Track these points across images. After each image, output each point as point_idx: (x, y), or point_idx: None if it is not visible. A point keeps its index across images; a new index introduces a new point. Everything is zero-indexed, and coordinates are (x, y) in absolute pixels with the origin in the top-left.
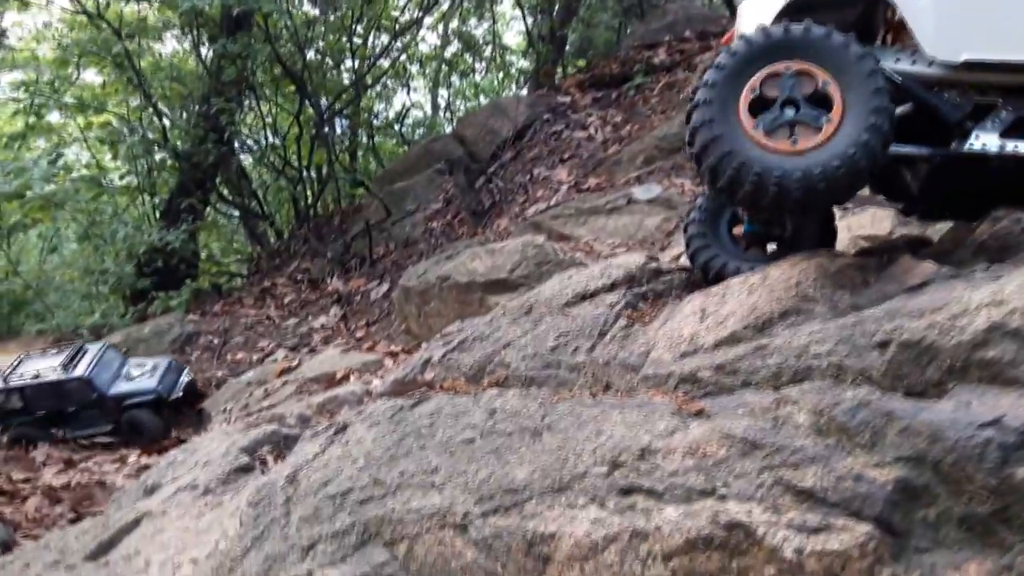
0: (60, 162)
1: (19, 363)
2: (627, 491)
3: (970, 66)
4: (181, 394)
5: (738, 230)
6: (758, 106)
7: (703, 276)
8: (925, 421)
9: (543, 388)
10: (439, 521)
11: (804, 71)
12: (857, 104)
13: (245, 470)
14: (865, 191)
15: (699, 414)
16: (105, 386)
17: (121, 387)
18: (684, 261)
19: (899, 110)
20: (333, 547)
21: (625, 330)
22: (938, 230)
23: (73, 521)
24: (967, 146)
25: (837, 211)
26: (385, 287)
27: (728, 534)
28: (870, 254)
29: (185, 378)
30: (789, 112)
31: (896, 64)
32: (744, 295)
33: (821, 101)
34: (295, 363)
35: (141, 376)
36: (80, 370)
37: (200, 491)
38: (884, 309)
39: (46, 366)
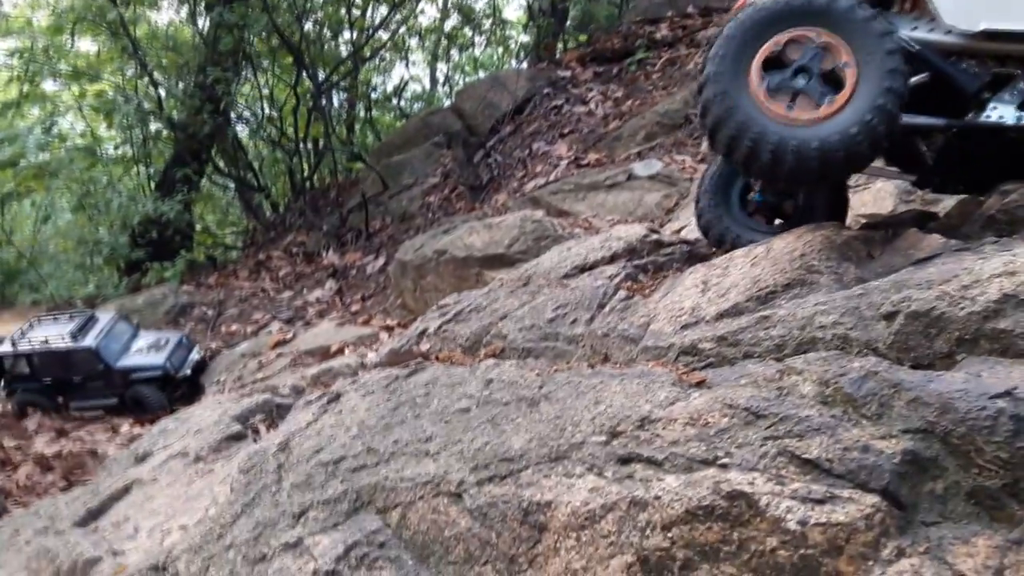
0: (54, 131)
1: (29, 328)
2: (626, 460)
3: (989, 35)
4: (189, 372)
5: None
6: (771, 66)
7: (717, 246)
8: (935, 392)
9: (540, 359)
10: (433, 489)
11: (831, 45)
12: (872, 70)
13: (237, 438)
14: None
15: (700, 384)
16: (113, 358)
17: (129, 360)
18: (686, 234)
19: (915, 80)
20: (325, 514)
21: (625, 302)
22: (943, 207)
23: (64, 489)
24: (984, 117)
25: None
26: (381, 261)
27: (730, 504)
28: (875, 228)
29: (195, 355)
30: (800, 80)
31: (913, 32)
32: (747, 267)
33: (833, 81)
34: (290, 336)
35: (150, 350)
36: (89, 340)
37: (191, 459)
38: (891, 281)
39: (55, 333)
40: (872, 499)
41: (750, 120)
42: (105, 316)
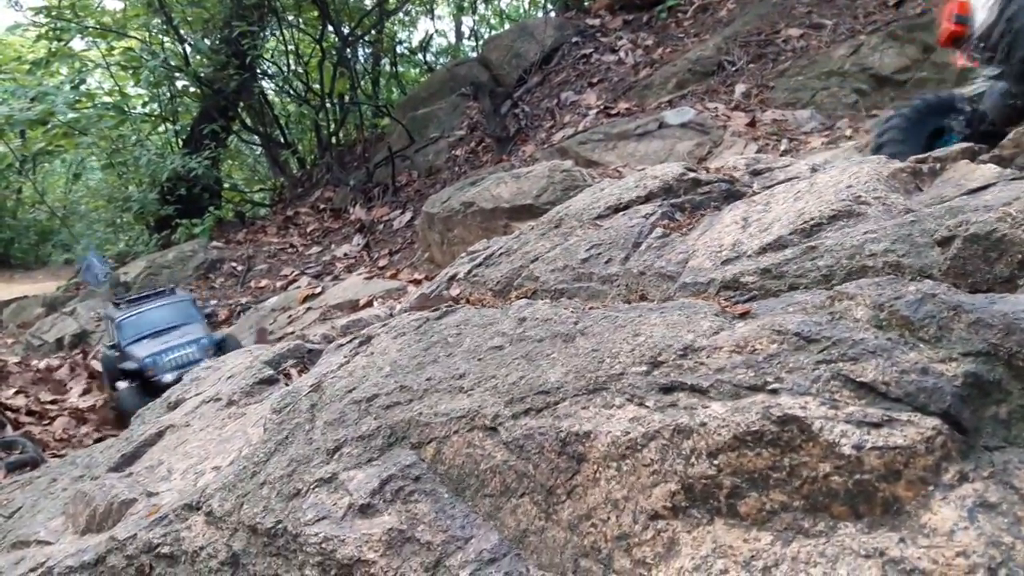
0: (83, 88)
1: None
2: (668, 389)
3: None
4: (170, 378)
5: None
6: None
7: None
8: (998, 313)
9: (574, 300)
10: (467, 423)
11: None
12: None
13: (269, 382)
14: None
15: (745, 315)
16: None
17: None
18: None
19: None
20: (359, 450)
21: (661, 240)
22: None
23: (98, 440)
24: None
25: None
26: (408, 216)
27: (780, 429)
28: (923, 162)
29: (200, 360)
30: None
31: None
32: (790, 201)
33: None
34: (318, 290)
35: (167, 341)
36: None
37: (224, 403)
38: (945, 207)
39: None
40: (932, 422)
41: None
42: (176, 296)
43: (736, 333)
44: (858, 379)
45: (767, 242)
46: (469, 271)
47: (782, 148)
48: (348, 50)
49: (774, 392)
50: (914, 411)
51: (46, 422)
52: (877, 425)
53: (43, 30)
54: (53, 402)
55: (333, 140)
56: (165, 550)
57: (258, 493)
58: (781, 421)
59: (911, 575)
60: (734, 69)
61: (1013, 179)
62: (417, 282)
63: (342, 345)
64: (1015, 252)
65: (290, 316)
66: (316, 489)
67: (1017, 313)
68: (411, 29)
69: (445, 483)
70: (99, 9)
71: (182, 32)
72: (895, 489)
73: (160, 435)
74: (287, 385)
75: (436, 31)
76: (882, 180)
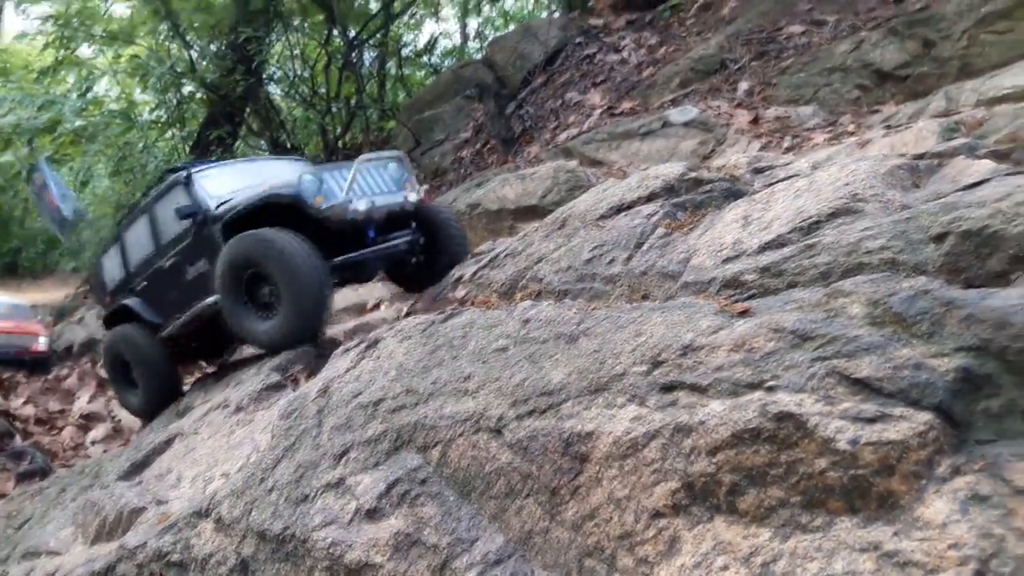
0: (90, 96)
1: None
2: (669, 388)
3: None
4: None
5: None
6: None
7: None
8: (989, 308)
9: (578, 300)
10: (473, 426)
11: None
12: None
13: (277, 388)
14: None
15: (744, 314)
16: None
17: None
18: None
19: None
20: (366, 454)
21: (663, 239)
22: (995, 138)
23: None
24: None
25: (879, 131)
26: None
27: (778, 425)
28: (920, 158)
29: None
30: None
31: None
32: (790, 200)
33: None
34: None
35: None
36: None
37: (232, 409)
38: (940, 203)
39: None
40: (925, 416)
41: None
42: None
43: (735, 331)
44: (853, 375)
45: (767, 240)
46: (475, 273)
47: (785, 145)
48: (354, 53)
49: (771, 389)
50: (908, 406)
51: (55, 432)
52: (871, 420)
53: (50, 38)
54: (61, 411)
55: (339, 143)
56: (175, 557)
57: (266, 499)
58: (778, 418)
59: (905, 568)
60: (736, 67)
61: (1008, 174)
62: None
63: (349, 349)
64: (1007, 248)
65: None
66: (324, 494)
67: (1008, 308)
68: (416, 32)
69: (451, 485)
70: (106, 17)
71: (188, 38)
72: (889, 483)
73: (169, 443)
74: (294, 391)
75: (441, 33)
76: (880, 177)
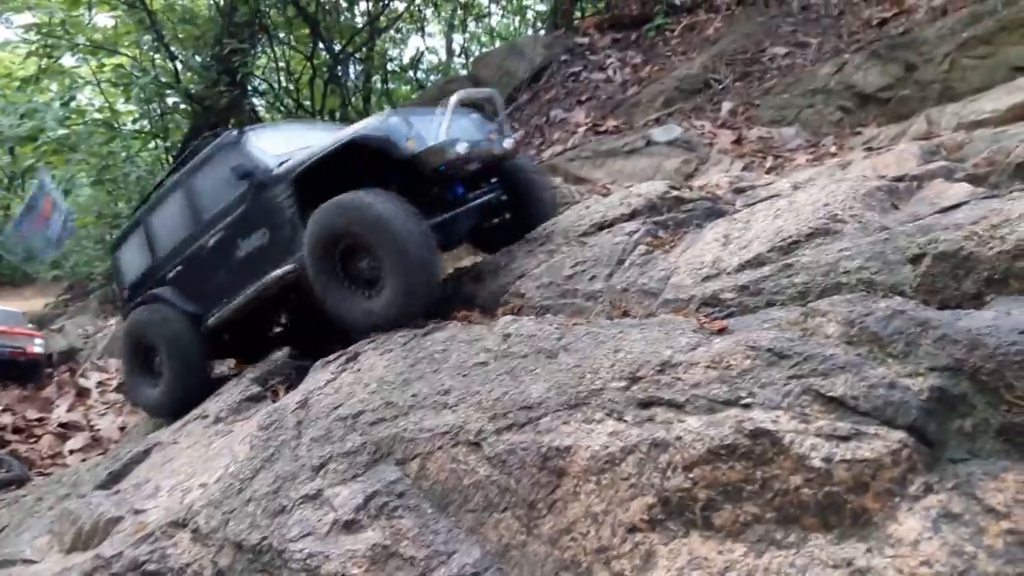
0: (73, 105)
1: None
2: (646, 404)
3: None
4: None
5: None
6: None
7: None
8: (963, 328)
9: (559, 315)
10: (452, 439)
11: None
12: None
13: (256, 399)
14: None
15: (722, 332)
16: None
17: None
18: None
19: None
20: (344, 466)
21: (644, 257)
22: (972, 161)
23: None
24: None
25: (861, 152)
26: None
27: (753, 442)
28: (900, 180)
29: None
30: None
31: None
32: (770, 219)
33: None
34: None
35: None
36: None
37: (211, 420)
38: (917, 225)
39: None
40: (899, 435)
41: None
42: None
43: (712, 349)
44: (828, 394)
45: (746, 259)
46: (456, 288)
47: (768, 165)
48: (339, 67)
49: (747, 407)
50: (881, 424)
51: (32, 440)
52: (846, 438)
53: (33, 47)
54: (38, 420)
55: None
56: (151, 567)
57: (244, 510)
58: (753, 435)
59: None
60: (720, 87)
61: (984, 197)
62: None
63: (329, 362)
64: (982, 270)
65: None
66: (301, 505)
67: (982, 329)
68: (402, 47)
69: (429, 498)
70: (90, 26)
71: (173, 49)
72: (863, 500)
73: (148, 453)
74: (274, 402)
75: (427, 48)
76: (859, 198)
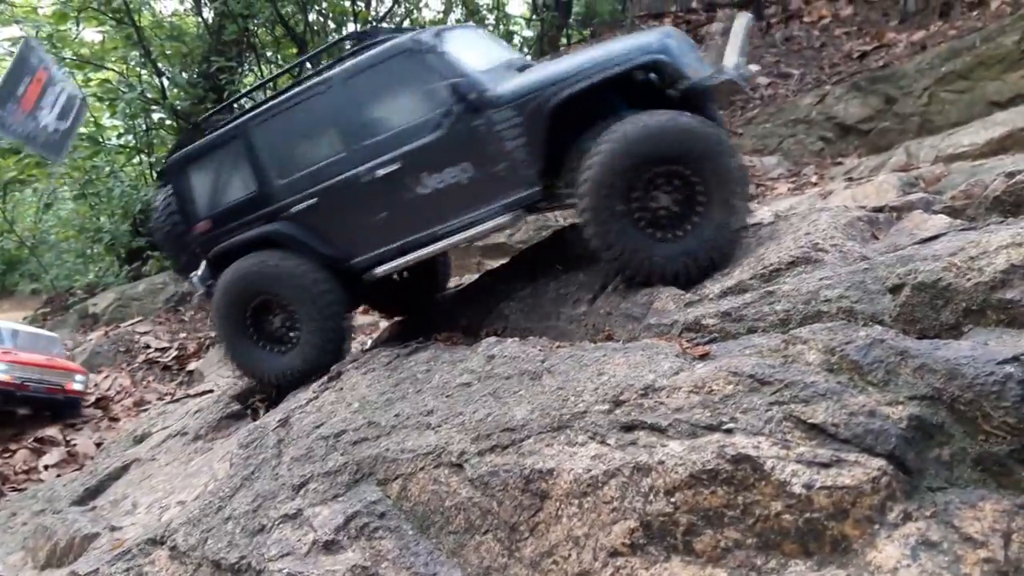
0: None
1: None
2: (629, 427)
3: None
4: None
5: None
6: None
7: None
8: (941, 358)
9: (543, 338)
10: (434, 460)
11: None
12: None
13: (236, 417)
14: None
15: (704, 357)
16: None
17: None
18: None
19: None
20: (325, 486)
21: (628, 282)
22: (949, 193)
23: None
24: None
25: (841, 182)
26: None
27: (734, 468)
28: (879, 211)
29: None
30: None
31: None
32: (752, 247)
33: None
34: None
35: None
36: None
37: (190, 437)
38: (896, 256)
39: None
40: (878, 463)
41: None
42: None
43: (695, 374)
44: (809, 420)
45: (728, 286)
46: (441, 309)
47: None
48: None
49: (729, 432)
50: (861, 452)
51: (7, 455)
52: (826, 465)
53: None
54: (14, 435)
55: None
56: None
57: (223, 528)
58: (735, 460)
59: None
60: None
61: (963, 229)
62: (390, 317)
63: (311, 380)
64: (959, 300)
65: None
66: (281, 525)
67: (960, 359)
68: None
69: (410, 520)
70: (77, 41)
71: (160, 65)
72: (843, 527)
73: (125, 469)
74: (254, 420)
75: None
76: (840, 228)
